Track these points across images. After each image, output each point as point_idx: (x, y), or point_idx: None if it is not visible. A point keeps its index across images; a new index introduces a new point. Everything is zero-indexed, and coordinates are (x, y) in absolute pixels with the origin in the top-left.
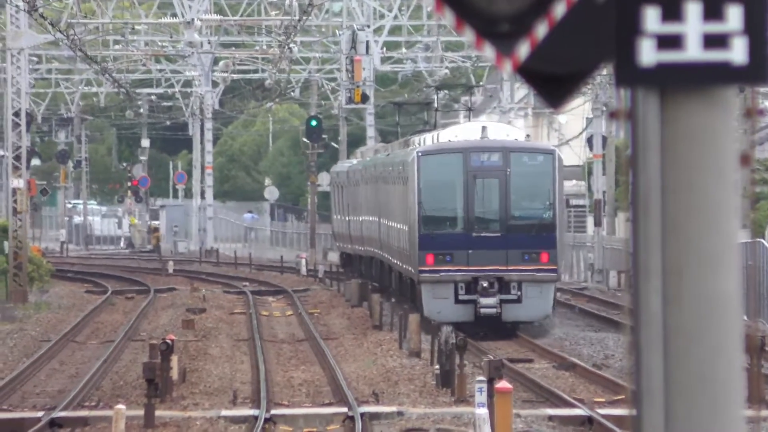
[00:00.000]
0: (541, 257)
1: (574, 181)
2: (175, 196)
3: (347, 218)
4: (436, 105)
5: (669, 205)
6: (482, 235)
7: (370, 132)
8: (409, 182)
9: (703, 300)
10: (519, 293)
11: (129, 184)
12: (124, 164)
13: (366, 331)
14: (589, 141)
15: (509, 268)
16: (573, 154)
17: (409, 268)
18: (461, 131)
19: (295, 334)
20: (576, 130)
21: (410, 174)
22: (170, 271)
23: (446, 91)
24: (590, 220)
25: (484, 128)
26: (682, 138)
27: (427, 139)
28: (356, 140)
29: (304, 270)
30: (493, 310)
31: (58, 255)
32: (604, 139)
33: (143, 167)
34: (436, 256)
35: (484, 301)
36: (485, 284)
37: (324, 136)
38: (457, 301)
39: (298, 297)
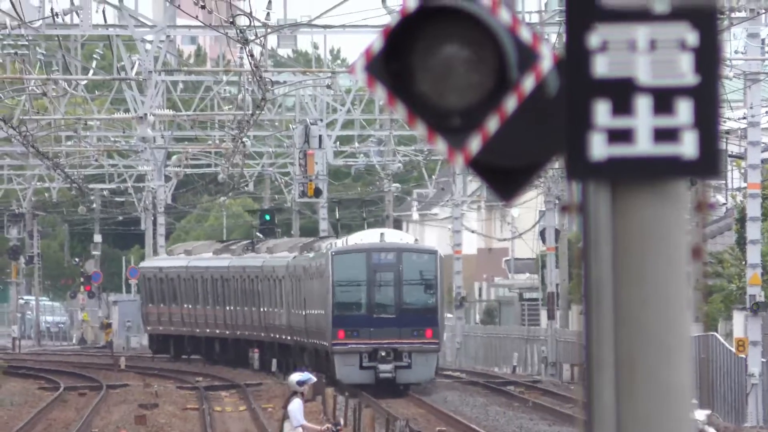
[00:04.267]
0: (426, 333)
1: (528, 274)
2: (128, 291)
3: (199, 307)
4: (337, 216)
5: (621, 297)
6: (381, 316)
7: (323, 225)
8: (324, 275)
9: (656, 392)
10: (409, 361)
11: (81, 279)
12: (77, 260)
13: (320, 425)
14: (542, 234)
15: (402, 341)
16: (526, 248)
17: (324, 343)
18: (365, 236)
19: (248, 430)
20: (529, 223)
21: (326, 269)
22: (122, 366)
23: (398, 185)
24: (544, 313)
25: (382, 234)
26: (633, 231)
27: (338, 243)
28: (310, 233)
29: (256, 364)
30: (390, 375)
31: (9, 351)
32: (557, 232)
33: (95, 263)
34: (346, 332)
35: (382, 367)
36: (383, 354)
37: (278, 229)
38: (362, 367)
39: (251, 391)
